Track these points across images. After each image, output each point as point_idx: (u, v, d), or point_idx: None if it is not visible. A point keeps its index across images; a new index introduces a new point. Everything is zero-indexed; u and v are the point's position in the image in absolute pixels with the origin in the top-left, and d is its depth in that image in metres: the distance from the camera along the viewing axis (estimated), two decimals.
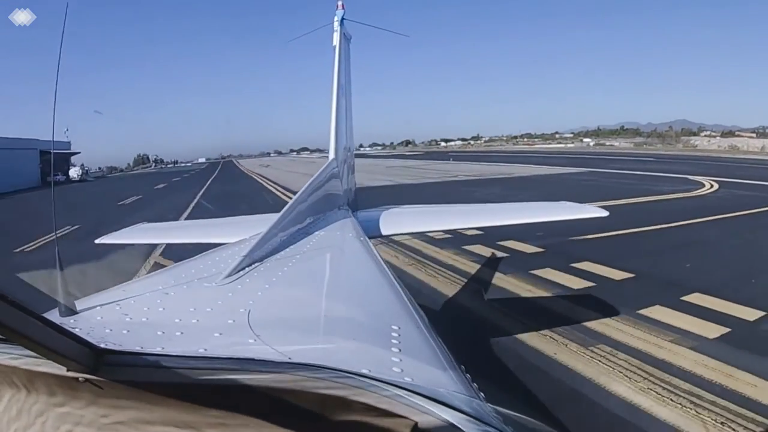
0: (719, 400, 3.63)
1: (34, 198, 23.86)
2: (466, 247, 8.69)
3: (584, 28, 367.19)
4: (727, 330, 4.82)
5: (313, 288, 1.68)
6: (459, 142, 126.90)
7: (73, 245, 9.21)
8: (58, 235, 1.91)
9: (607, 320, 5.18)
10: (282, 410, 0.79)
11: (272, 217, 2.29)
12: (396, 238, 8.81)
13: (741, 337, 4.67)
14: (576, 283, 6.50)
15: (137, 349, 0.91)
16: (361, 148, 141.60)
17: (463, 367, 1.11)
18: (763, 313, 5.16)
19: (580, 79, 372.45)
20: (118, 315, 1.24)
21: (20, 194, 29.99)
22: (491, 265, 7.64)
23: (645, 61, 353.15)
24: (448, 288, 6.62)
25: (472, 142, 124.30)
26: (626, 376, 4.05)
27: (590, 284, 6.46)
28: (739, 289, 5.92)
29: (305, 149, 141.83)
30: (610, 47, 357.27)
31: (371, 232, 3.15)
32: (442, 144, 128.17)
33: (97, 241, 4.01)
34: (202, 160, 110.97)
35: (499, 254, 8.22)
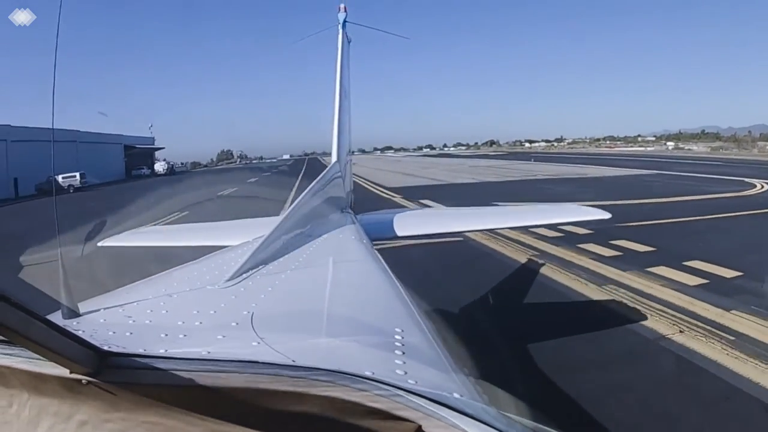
0: (677, 314, 5.80)
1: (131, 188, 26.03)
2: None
3: (673, 26, 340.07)
4: (706, 281, 6.87)
5: (316, 290, 1.67)
6: (543, 144, 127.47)
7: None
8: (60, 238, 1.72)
9: (619, 272, 7.46)
10: (286, 412, 0.80)
11: (275, 220, 2.32)
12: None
13: (714, 286, 6.68)
14: (608, 253, 8.71)
15: (140, 351, 0.91)
16: (445, 148, 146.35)
17: (467, 369, 1.11)
18: (740, 273, 7.10)
19: (665, 81, 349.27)
20: (121, 317, 1.25)
21: (109, 186, 33.95)
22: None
23: (729, 64, 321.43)
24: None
25: (555, 144, 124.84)
26: (621, 300, 6.34)
27: (618, 253, 8.66)
28: (734, 260, 7.76)
29: (389, 148, 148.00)
30: (696, 49, 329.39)
31: (374, 234, 3.25)
32: (526, 145, 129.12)
33: (99, 244, 4.04)
34: (286, 156, 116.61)
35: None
